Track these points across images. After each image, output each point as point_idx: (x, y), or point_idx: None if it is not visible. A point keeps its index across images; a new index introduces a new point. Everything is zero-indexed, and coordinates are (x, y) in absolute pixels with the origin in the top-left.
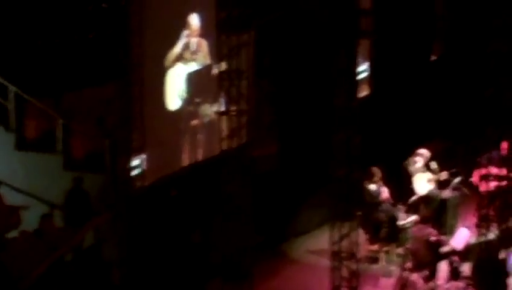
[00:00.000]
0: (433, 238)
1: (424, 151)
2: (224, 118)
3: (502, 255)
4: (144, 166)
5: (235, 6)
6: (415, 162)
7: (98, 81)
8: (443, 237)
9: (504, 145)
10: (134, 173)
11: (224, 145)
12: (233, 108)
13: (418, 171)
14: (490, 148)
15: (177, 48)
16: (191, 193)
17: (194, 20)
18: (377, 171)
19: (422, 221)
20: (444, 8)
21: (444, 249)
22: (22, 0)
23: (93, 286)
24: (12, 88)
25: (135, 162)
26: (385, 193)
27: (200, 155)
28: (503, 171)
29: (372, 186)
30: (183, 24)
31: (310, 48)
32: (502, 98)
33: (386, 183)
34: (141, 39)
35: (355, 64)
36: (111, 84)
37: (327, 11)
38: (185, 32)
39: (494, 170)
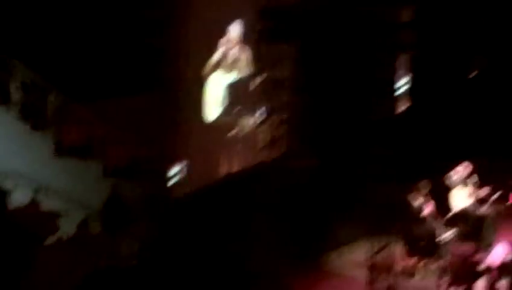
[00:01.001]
0: (470, 254)
1: (465, 166)
2: (263, 128)
3: None
4: (182, 175)
5: (277, 16)
6: (455, 177)
7: (138, 90)
8: (481, 253)
9: None
10: (172, 181)
11: (262, 156)
12: (273, 118)
13: (457, 186)
14: None
15: (217, 57)
16: (228, 203)
17: (235, 28)
18: (423, 186)
19: (461, 236)
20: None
21: (482, 265)
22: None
23: None
24: (53, 91)
25: (174, 171)
26: (429, 207)
27: (237, 165)
28: None
29: (416, 201)
30: (224, 32)
31: (352, 60)
32: None
33: (430, 197)
34: (185, 48)
35: (395, 78)
36: (151, 93)
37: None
38: (225, 41)
39: None
